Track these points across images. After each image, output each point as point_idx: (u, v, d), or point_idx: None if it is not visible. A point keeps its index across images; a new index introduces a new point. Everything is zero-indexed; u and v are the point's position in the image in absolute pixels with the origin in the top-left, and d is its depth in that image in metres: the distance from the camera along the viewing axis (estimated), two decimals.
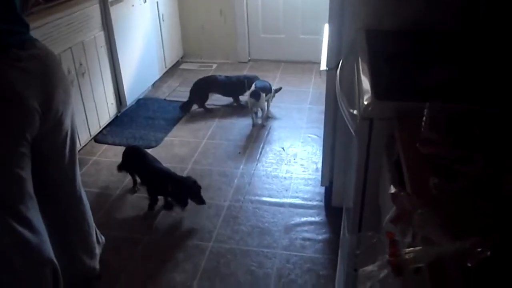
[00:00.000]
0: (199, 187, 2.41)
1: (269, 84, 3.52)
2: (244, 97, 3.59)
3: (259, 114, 3.45)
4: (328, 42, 2.05)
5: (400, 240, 0.69)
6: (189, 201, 2.38)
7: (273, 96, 3.52)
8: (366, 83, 1.33)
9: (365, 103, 1.21)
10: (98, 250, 2.01)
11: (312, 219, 2.41)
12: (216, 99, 3.74)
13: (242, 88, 3.62)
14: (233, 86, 3.67)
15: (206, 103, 3.65)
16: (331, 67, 2.04)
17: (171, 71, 4.38)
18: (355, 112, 1.31)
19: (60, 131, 1.66)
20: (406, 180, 0.87)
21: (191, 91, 3.63)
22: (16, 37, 1.48)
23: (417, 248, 0.65)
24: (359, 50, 1.66)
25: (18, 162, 1.49)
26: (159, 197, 2.52)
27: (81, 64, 2.92)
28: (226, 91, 3.69)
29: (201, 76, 3.86)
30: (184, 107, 3.57)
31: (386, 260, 0.66)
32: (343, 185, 2.22)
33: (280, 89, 3.59)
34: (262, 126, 3.37)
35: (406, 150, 0.99)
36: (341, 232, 2.02)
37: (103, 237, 2.09)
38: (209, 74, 4.14)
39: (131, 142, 3.17)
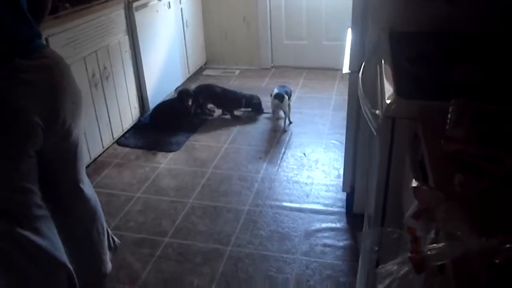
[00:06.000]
0: None
1: (290, 89, 3.52)
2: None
3: (281, 118, 3.44)
4: (351, 44, 2.02)
5: (422, 236, 0.66)
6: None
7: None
8: (388, 83, 1.30)
9: (388, 101, 1.18)
10: (109, 255, 2.00)
11: (333, 225, 2.37)
12: None
13: (238, 104, 3.61)
14: (229, 101, 3.64)
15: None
16: (354, 70, 2.01)
17: (194, 77, 4.40)
18: (377, 112, 1.28)
19: (69, 142, 1.64)
20: (430, 177, 0.84)
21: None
22: (23, 45, 1.44)
23: (440, 244, 0.62)
24: (382, 52, 1.63)
25: (22, 176, 1.49)
26: None
27: (105, 68, 2.95)
28: (221, 104, 3.67)
29: (223, 82, 3.87)
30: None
31: (407, 257, 0.63)
32: (365, 191, 2.17)
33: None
34: (284, 131, 3.35)
35: (430, 148, 0.95)
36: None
37: (117, 240, 2.08)
38: (231, 80, 4.15)
39: (152, 145, 3.19)
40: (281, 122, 3.43)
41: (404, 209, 1.12)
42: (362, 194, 2.23)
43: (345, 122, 2.28)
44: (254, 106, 3.59)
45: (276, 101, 3.32)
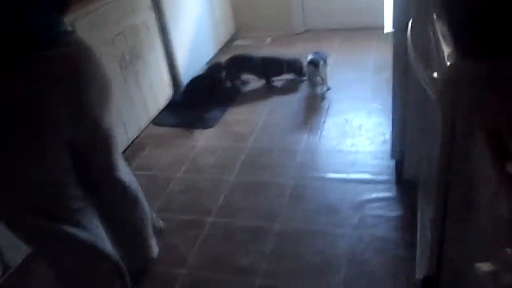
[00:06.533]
0: None
1: (325, 54, 3.35)
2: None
3: (318, 85, 3.29)
4: (394, 1, 1.85)
5: None
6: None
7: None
8: (446, 41, 1.15)
9: (449, 62, 1.04)
10: (155, 240, 1.97)
11: (383, 194, 2.25)
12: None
13: (279, 70, 3.45)
14: (269, 68, 3.47)
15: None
16: (398, 28, 1.85)
17: (225, 49, 4.28)
18: (435, 75, 1.14)
19: (99, 130, 1.58)
20: None
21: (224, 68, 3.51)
22: (41, 36, 1.34)
23: None
24: (433, 6, 1.47)
25: (53, 170, 1.45)
26: None
27: (134, 47, 2.87)
28: (261, 72, 3.50)
29: (255, 51, 3.74)
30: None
31: None
32: (417, 156, 2.03)
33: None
34: (323, 98, 3.21)
35: (505, 116, 0.82)
36: (419, 209, 1.85)
37: (162, 223, 2.05)
38: (262, 49, 4.02)
39: (188, 123, 3.12)
40: (319, 89, 3.29)
41: (475, 186, 1.00)
42: (414, 159, 2.09)
43: (386, 85, 2.14)
44: (296, 70, 3.43)
45: (311, 67, 3.18)
